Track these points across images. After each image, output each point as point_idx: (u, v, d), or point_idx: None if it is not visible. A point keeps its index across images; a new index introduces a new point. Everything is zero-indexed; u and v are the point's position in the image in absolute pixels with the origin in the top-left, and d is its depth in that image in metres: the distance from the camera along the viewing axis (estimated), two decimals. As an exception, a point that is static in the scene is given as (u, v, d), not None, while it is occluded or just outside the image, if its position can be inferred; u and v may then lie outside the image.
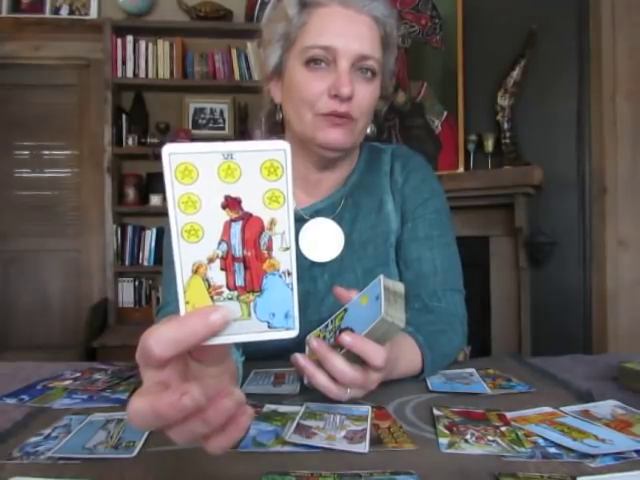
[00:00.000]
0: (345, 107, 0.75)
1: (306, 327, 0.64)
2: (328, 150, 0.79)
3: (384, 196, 0.88)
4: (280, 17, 0.79)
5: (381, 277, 0.56)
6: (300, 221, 0.83)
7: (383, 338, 0.53)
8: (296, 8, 0.78)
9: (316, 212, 0.86)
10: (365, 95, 0.77)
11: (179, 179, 0.32)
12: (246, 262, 0.34)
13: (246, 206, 0.34)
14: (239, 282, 0.34)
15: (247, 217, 0.34)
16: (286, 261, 0.35)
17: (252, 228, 0.34)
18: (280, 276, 0.35)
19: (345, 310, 0.59)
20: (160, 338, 0.32)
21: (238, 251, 0.34)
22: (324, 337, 0.57)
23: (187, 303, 0.33)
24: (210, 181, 0.33)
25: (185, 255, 0.33)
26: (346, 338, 0.52)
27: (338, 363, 0.53)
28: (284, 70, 0.81)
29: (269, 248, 0.35)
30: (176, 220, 0.33)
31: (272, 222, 0.34)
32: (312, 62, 0.76)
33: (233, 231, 0.34)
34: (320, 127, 0.77)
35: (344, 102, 0.75)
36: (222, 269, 0.34)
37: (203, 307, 0.33)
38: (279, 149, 0.34)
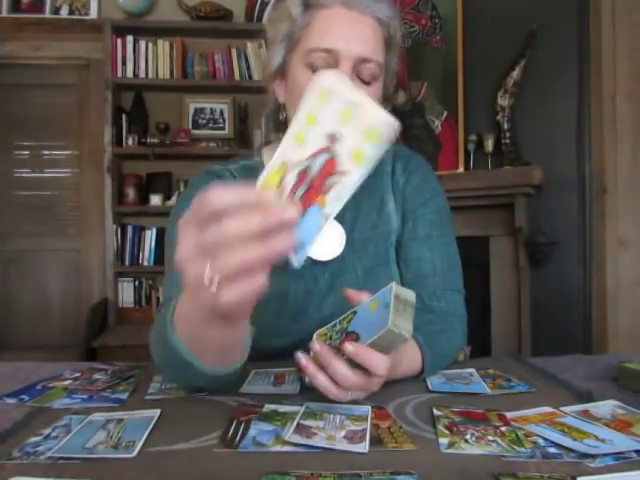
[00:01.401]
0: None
1: (307, 325, 0.63)
2: None
3: (385, 196, 0.88)
4: (284, 17, 0.79)
5: (393, 284, 0.55)
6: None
7: (388, 347, 0.53)
8: (300, 8, 0.78)
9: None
10: (366, 97, 0.77)
11: (318, 98, 0.40)
12: (310, 185, 0.41)
13: (338, 148, 0.41)
14: (297, 195, 0.41)
15: (333, 156, 0.41)
16: (332, 207, 0.42)
17: (330, 166, 0.41)
18: (321, 213, 0.41)
19: (354, 313, 0.58)
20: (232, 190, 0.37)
21: (313, 174, 0.41)
22: (330, 337, 0.57)
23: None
24: (334, 112, 0.40)
25: (285, 151, 0.41)
26: (349, 348, 0.52)
27: (340, 368, 0.52)
28: (287, 70, 0.81)
29: (329, 189, 0.41)
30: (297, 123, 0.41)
31: (344, 173, 0.41)
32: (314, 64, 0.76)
33: (320, 158, 0.41)
34: None
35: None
36: (296, 178, 0.41)
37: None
38: (389, 123, 0.41)
